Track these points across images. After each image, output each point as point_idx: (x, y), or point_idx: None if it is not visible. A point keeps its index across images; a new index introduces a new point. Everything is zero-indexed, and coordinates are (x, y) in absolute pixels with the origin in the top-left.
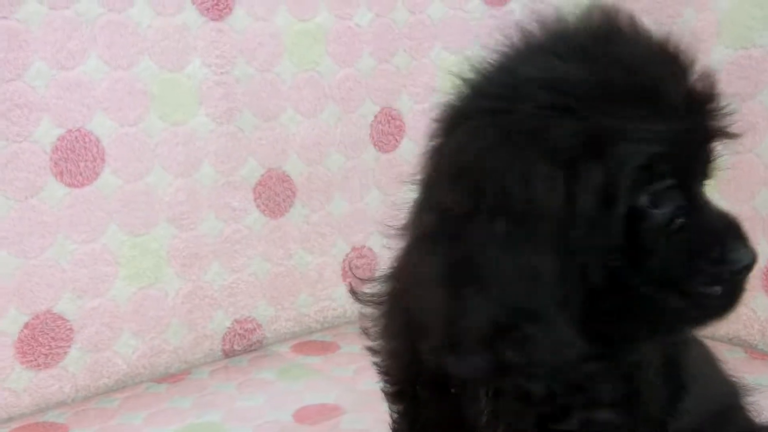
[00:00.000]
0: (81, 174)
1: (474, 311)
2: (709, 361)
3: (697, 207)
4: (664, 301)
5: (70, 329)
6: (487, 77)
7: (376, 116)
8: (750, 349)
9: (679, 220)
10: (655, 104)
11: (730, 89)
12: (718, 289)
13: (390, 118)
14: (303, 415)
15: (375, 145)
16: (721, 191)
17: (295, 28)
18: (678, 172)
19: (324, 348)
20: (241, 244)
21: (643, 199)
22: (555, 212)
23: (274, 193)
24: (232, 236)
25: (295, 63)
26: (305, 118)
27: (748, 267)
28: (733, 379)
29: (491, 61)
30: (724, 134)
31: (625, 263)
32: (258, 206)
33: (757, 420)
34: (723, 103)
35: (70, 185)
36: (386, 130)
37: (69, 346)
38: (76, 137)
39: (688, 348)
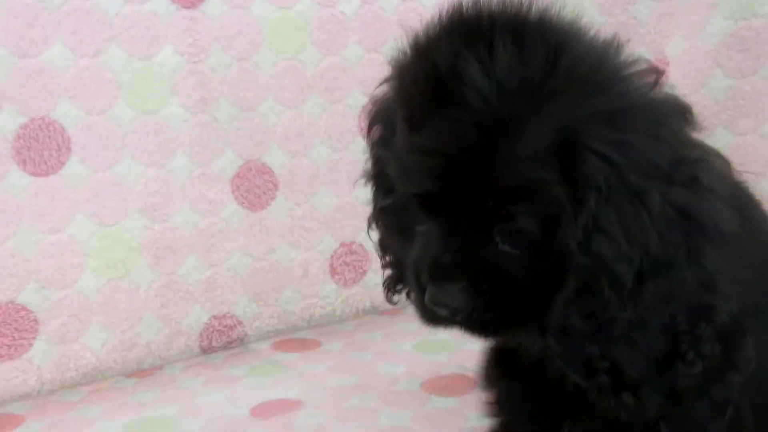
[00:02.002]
0: (45, 163)
1: None
2: None
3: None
4: None
5: (35, 320)
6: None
7: (364, 107)
8: None
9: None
10: None
11: (731, 64)
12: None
13: None
14: (260, 411)
15: (364, 136)
16: None
17: (274, 15)
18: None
19: (303, 345)
20: (219, 237)
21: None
22: None
23: (254, 186)
24: (208, 229)
25: (275, 52)
26: (286, 108)
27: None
28: None
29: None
30: None
31: None
32: (236, 198)
33: None
34: None
35: (33, 174)
36: None
37: (34, 338)
38: (39, 126)
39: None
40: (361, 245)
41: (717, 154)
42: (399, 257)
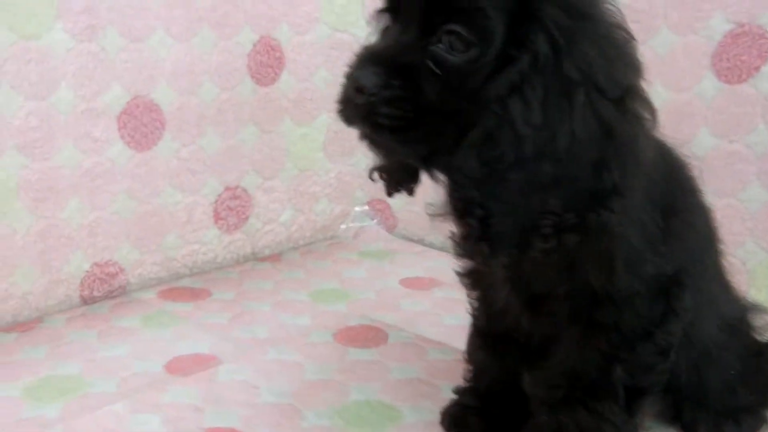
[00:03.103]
0: None
1: None
2: (719, 277)
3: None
4: None
5: None
6: None
7: (254, 45)
8: None
9: None
10: None
11: None
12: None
13: (269, 48)
14: (175, 366)
15: (252, 77)
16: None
17: None
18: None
19: (194, 295)
20: (104, 178)
21: None
22: None
23: (141, 124)
24: (92, 169)
25: None
26: (177, 42)
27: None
28: (742, 296)
29: None
30: None
31: None
32: (122, 137)
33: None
34: None
35: None
36: (265, 62)
37: None
38: None
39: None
40: (244, 190)
41: (649, 101)
42: None
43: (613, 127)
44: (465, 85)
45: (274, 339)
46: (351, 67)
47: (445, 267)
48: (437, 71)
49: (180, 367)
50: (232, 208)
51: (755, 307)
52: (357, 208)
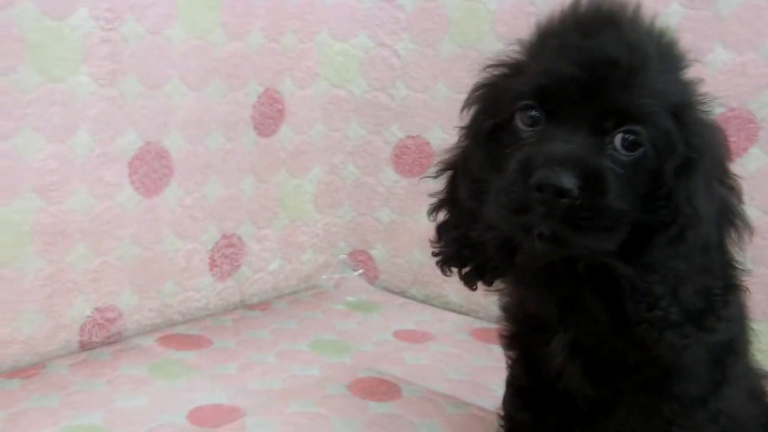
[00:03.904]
0: None
1: None
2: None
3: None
4: None
5: None
6: None
7: (259, 97)
8: None
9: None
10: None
11: None
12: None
13: (272, 100)
14: (198, 418)
15: (255, 128)
16: None
17: None
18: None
19: (194, 343)
20: (112, 224)
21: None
22: None
23: (151, 170)
24: (102, 214)
25: (187, 28)
26: (191, 90)
27: (542, 186)
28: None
29: None
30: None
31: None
32: (132, 182)
33: None
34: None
35: None
36: (267, 113)
37: None
38: None
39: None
40: (239, 238)
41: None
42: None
43: (730, 206)
44: (636, 183)
45: (291, 391)
46: (532, 169)
47: (432, 320)
48: (618, 170)
49: (204, 418)
50: (227, 255)
51: None
52: (341, 256)
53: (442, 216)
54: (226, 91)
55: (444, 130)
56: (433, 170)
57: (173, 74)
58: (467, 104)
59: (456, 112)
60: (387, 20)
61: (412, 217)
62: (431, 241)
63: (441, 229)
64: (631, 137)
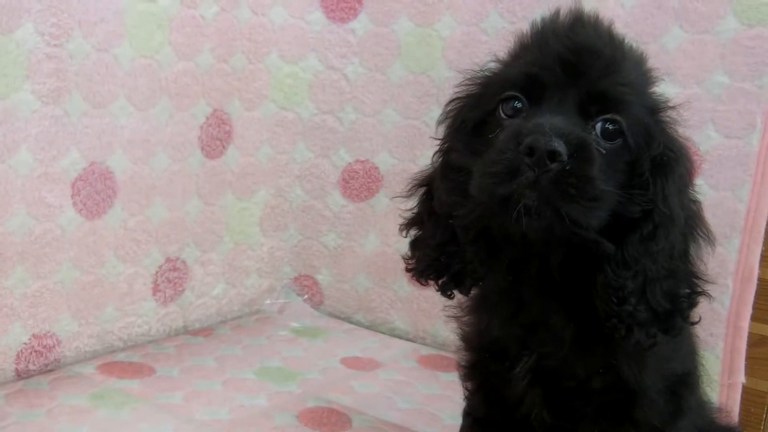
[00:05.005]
0: None
1: None
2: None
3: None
4: None
5: None
6: None
7: (207, 118)
8: None
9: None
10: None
11: None
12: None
13: (220, 121)
14: None
15: (202, 149)
16: None
17: (139, 7)
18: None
19: (136, 371)
20: (52, 246)
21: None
22: None
23: (94, 191)
24: (42, 237)
25: (135, 47)
26: (137, 110)
27: (533, 149)
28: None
29: None
30: None
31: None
32: (75, 204)
33: None
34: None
35: None
36: (215, 134)
37: None
38: None
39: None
40: (184, 262)
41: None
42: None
43: (697, 216)
44: (615, 171)
45: (239, 422)
46: (524, 134)
47: (379, 347)
48: (602, 151)
49: None
50: (170, 280)
51: (718, 411)
52: (286, 281)
53: (413, 232)
54: (174, 111)
55: (392, 155)
56: (405, 188)
57: (119, 93)
58: (444, 116)
59: (405, 137)
60: (337, 43)
61: (359, 242)
62: (404, 258)
63: (414, 245)
64: (611, 126)
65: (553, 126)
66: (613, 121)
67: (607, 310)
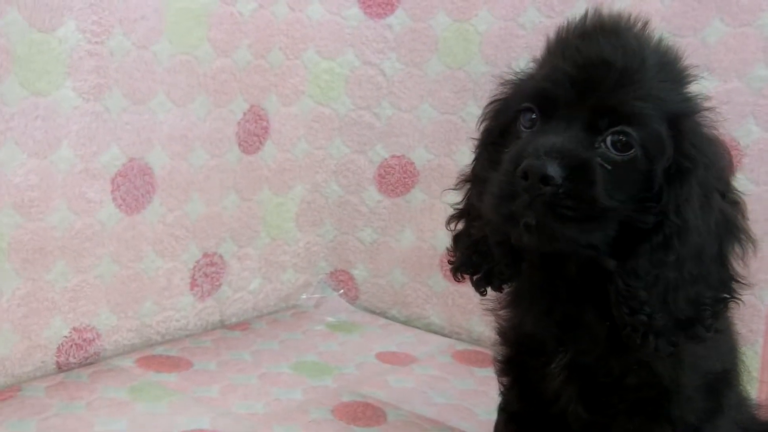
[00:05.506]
0: None
1: None
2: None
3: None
4: None
5: None
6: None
7: (245, 114)
8: None
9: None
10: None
11: None
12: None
13: (257, 117)
14: None
15: (240, 145)
16: None
17: (178, 4)
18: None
19: (174, 365)
20: (92, 241)
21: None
22: None
23: (134, 187)
24: (82, 231)
25: (174, 43)
26: (176, 106)
27: (527, 174)
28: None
29: None
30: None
31: None
32: (114, 199)
33: None
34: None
35: None
36: (252, 130)
37: None
38: None
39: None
40: (221, 256)
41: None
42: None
43: (733, 221)
44: (626, 184)
45: (275, 415)
46: (523, 157)
47: (414, 342)
48: (608, 167)
49: None
50: (207, 274)
51: (758, 408)
52: (322, 276)
53: (459, 226)
54: (212, 107)
55: (429, 150)
56: (454, 183)
57: (159, 89)
58: (481, 119)
59: (442, 132)
60: (374, 39)
61: (394, 238)
62: (448, 250)
63: (457, 239)
64: (623, 138)
65: (552, 147)
66: (623, 133)
67: (621, 319)
